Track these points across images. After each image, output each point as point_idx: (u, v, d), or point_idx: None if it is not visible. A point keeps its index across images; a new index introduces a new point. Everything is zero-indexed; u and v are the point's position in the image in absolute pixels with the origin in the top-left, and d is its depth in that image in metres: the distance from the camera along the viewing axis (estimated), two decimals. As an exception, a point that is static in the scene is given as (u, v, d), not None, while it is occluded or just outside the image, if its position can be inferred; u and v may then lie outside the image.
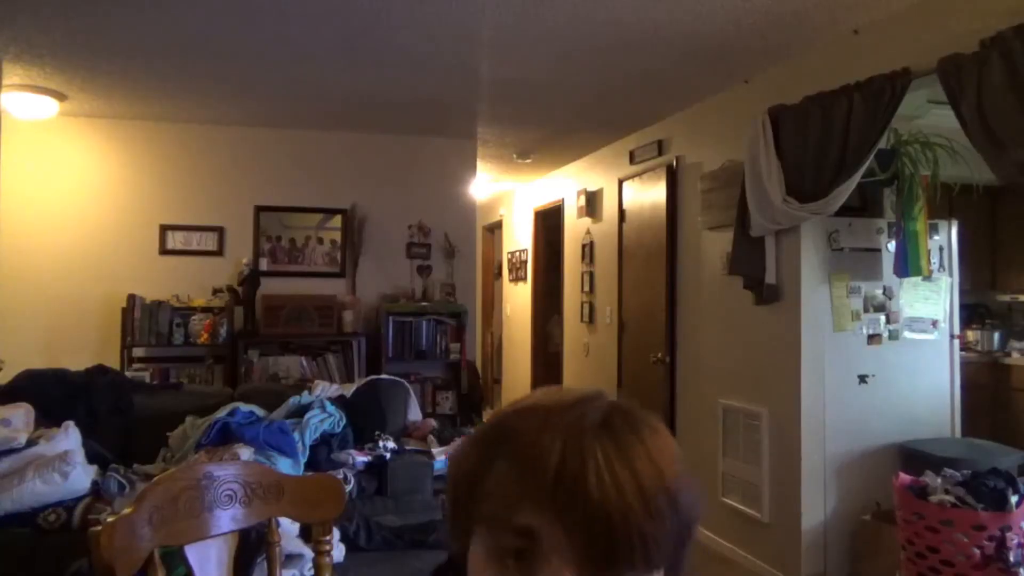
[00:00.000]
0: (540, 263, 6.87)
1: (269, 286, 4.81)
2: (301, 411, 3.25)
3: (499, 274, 8.25)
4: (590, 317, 5.66)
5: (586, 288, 5.72)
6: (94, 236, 4.65)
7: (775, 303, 3.33)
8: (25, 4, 2.87)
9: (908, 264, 3.10)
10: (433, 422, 3.74)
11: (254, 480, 1.31)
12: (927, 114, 3.33)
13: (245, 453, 2.81)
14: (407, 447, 3.32)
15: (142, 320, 4.47)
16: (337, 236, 5.07)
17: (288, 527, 2.33)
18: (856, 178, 2.90)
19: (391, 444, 3.23)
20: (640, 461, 0.54)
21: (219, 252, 4.86)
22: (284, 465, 2.88)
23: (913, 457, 3.08)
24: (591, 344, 5.67)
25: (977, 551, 2.44)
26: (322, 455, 3.11)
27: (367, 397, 3.57)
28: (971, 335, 5.20)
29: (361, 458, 3.12)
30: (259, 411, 3.25)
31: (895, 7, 2.80)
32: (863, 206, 3.29)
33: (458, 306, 5.02)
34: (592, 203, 5.61)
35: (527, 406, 0.59)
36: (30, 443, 2.78)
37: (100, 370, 3.48)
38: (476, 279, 5.93)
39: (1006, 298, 5.40)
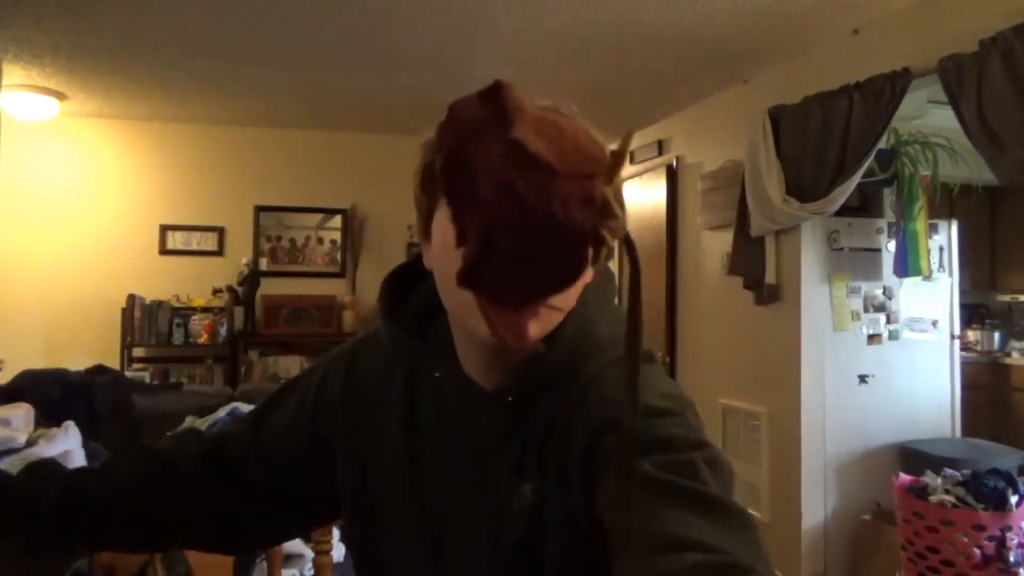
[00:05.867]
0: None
1: (269, 286, 4.80)
2: (301, 411, 3.24)
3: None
4: (590, 317, 5.64)
5: (586, 288, 5.70)
6: (94, 236, 4.64)
7: (775, 303, 3.33)
8: (25, 4, 2.87)
9: (908, 264, 3.10)
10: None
11: (254, 480, 1.30)
12: (927, 114, 3.33)
13: (245, 453, 2.81)
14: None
15: (142, 320, 4.47)
16: (337, 236, 5.07)
17: (288, 527, 2.32)
18: (856, 178, 2.90)
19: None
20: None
21: (219, 252, 4.86)
22: (284, 465, 2.88)
23: (913, 457, 3.08)
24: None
25: (977, 551, 2.44)
26: (322, 455, 3.11)
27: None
28: (971, 335, 5.20)
29: (361, 458, 3.12)
30: (259, 411, 3.25)
31: (895, 7, 2.80)
32: (863, 206, 3.29)
33: (458, 306, 5.02)
34: (592, 203, 5.58)
35: None
36: (30, 443, 2.77)
37: (100, 370, 3.47)
38: (476, 279, 5.92)
39: (1006, 298, 5.40)
